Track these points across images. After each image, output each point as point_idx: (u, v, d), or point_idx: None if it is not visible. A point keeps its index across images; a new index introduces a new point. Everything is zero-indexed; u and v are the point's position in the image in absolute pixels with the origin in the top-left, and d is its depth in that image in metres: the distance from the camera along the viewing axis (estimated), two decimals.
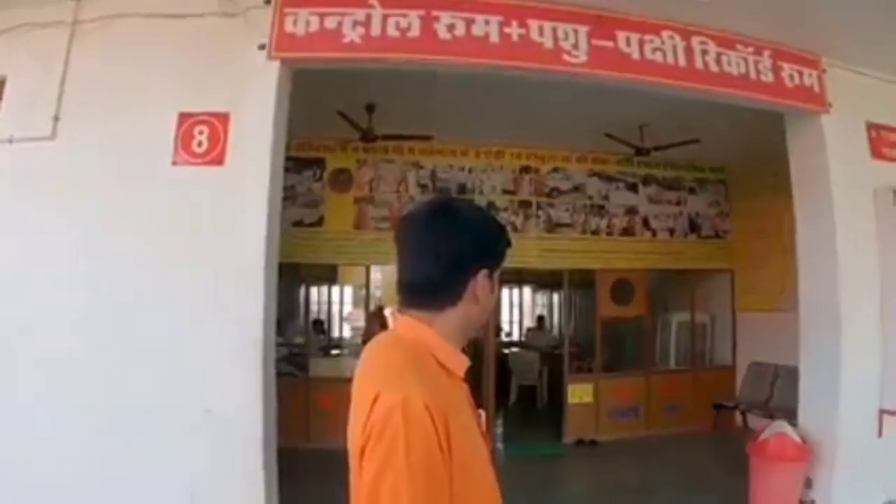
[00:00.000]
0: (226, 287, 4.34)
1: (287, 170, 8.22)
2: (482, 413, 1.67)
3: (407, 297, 1.57)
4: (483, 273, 1.54)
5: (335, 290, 12.43)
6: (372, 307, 9.79)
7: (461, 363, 1.54)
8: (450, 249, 1.51)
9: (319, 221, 8.58)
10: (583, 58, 4.90)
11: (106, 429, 4.21)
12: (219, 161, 4.42)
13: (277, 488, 4.56)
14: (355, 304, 12.11)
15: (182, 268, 4.36)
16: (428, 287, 1.54)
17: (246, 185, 4.43)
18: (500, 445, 8.73)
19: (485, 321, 1.67)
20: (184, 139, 4.45)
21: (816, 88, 5.77)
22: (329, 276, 11.05)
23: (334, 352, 11.05)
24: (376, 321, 10.15)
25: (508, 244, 1.65)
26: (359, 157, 8.67)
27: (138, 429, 4.22)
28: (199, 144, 4.42)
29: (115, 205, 4.41)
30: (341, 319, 12.57)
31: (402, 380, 1.37)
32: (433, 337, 1.51)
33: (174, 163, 4.44)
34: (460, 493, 1.33)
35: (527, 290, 16.86)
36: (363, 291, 9.31)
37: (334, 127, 7.27)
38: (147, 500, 4.21)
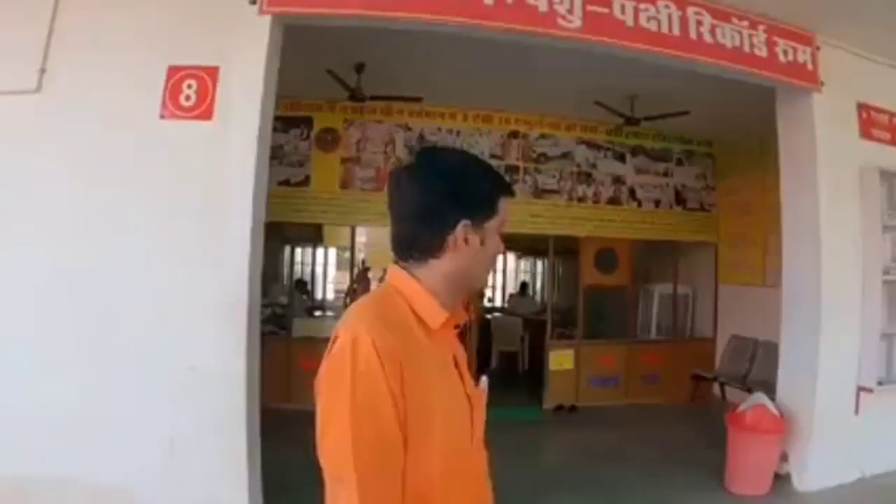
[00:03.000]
0: (212, 244, 4.32)
1: (274, 129, 8.16)
2: (484, 379, 1.73)
3: (394, 251, 1.54)
4: (463, 224, 1.46)
5: (320, 251, 12.36)
6: (357, 268, 9.72)
7: (435, 315, 1.46)
8: (421, 202, 1.47)
9: (305, 181, 8.50)
10: (577, 23, 4.85)
11: (89, 382, 4.19)
12: (207, 116, 4.36)
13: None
14: (340, 265, 12.06)
15: (168, 223, 4.33)
16: (405, 241, 1.51)
17: (234, 142, 4.38)
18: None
19: (484, 274, 1.62)
20: (172, 92, 4.38)
21: (809, 66, 5.77)
22: (314, 236, 10.94)
23: (318, 313, 11.02)
24: (362, 281, 10.21)
25: (504, 191, 1.57)
26: (347, 116, 8.57)
27: (121, 383, 4.22)
28: (188, 98, 4.36)
29: (101, 159, 4.34)
30: (325, 280, 12.52)
31: (359, 320, 1.37)
32: (413, 287, 1.48)
33: (162, 116, 4.37)
34: (416, 445, 1.32)
35: (511, 257, 16.79)
36: (348, 252, 9.20)
37: (323, 86, 7.16)
38: (127, 455, 4.21)
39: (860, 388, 5.92)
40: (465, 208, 1.47)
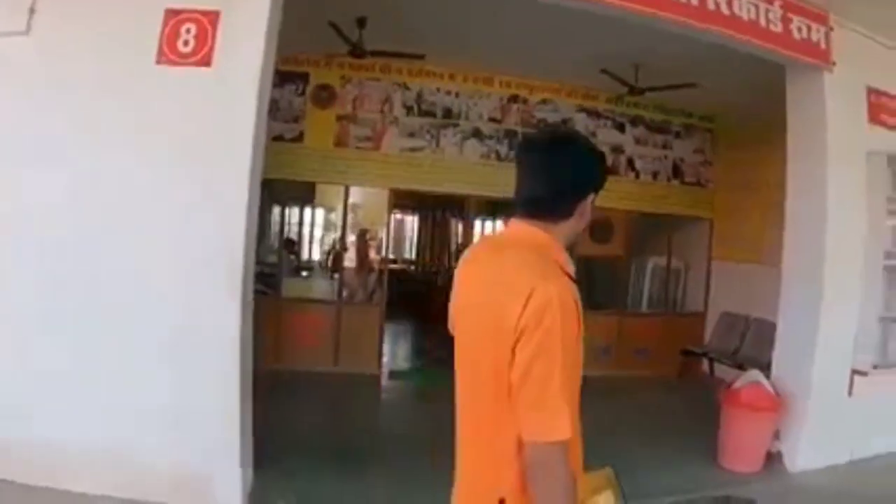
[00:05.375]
0: (208, 197, 4.16)
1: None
2: None
3: (527, 210, 1.81)
4: (591, 196, 1.82)
5: (313, 210, 12.06)
6: (348, 229, 9.51)
7: (571, 265, 1.80)
8: (570, 175, 1.78)
9: (299, 137, 8.31)
10: None
11: (80, 343, 4.11)
12: (206, 62, 4.17)
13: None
14: (329, 226, 11.80)
15: (163, 173, 4.17)
16: (547, 204, 1.79)
17: (233, 91, 4.20)
18: None
19: (579, 235, 1.95)
20: (169, 37, 4.18)
21: (822, 44, 5.66)
22: (306, 195, 10.71)
23: (305, 273, 10.82)
24: (362, 246, 10.22)
25: (609, 171, 1.97)
26: (344, 73, 8.34)
27: (113, 344, 4.12)
28: (186, 43, 4.16)
29: (94, 104, 4.16)
30: (312, 240, 12.26)
31: (550, 277, 1.64)
32: (554, 243, 1.79)
33: (158, 62, 4.18)
34: (575, 367, 1.64)
35: (499, 224, 16.52)
36: (338, 213, 8.99)
37: (321, 41, 6.99)
38: (118, 418, 4.12)
39: (855, 371, 5.90)
40: (595, 185, 1.84)
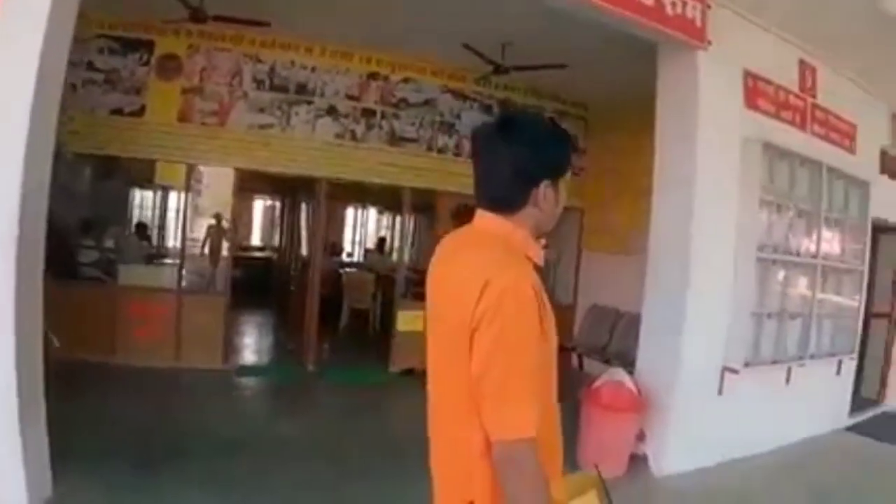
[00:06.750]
0: None
1: (111, 51, 7.34)
2: None
3: (485, 204, 1.79)
4: (544, 183, 1.72)
5: (165, 192, 11.06)
6: (193, 210, 8.81)
7: (539, 255, 1.77)
8: (513, 165, 1.71)
9: (141, 111, 7.48)
10: None
11: None
12: None
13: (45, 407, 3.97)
14: (189, 209, 10.90)
15: None
16: (498, 198, 1.76)
17: (15, 34, 3.50)
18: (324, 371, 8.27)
19: (552, 222, 1.83)
20: None
21: (698, 22, 5.37)
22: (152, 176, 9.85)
23: (158, 260, 9.87)
24: (217, 233, 9.73)
25: (573, 150, 1.92)
26: (192, 42, 7.58)
27: None
28: None
29: None
30: (162, 225, 11.32)
31: (508, 267, 1.60)
32: (518, 232, 1.74)
33: None
34: (543, 357, 1.62)
35: (372, 212, 16.27)
36: (183, 193, 8.11)
37: (162, 4, 6.30)
38: None
39: (725, 369, 5.68)
40: (547, 171, 1.74)
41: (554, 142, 1.78)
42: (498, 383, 1.51)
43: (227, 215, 8.92)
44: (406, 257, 9.97)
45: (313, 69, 8.08)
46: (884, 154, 7.95)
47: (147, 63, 7.51)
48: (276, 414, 6.69)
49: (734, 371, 5.64)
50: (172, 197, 9.95)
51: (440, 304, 1.78)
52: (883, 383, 8.61)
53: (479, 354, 1.53)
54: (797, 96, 6.40)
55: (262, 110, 7.83)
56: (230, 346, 8.14)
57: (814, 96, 6.58)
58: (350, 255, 15.36)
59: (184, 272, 8.03)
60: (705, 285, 5.49)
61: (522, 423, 1.49)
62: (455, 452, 1.68)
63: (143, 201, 10.63)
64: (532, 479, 1.49)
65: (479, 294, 1.53)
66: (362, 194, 13.59)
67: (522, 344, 1.52)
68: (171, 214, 9.98)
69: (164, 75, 7.53)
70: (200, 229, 9.52)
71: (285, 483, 4.66)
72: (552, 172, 1.74)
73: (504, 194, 1.74)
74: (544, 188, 1.72)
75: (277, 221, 15.69)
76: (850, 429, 7.52)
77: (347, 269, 12.33)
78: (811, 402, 6.74)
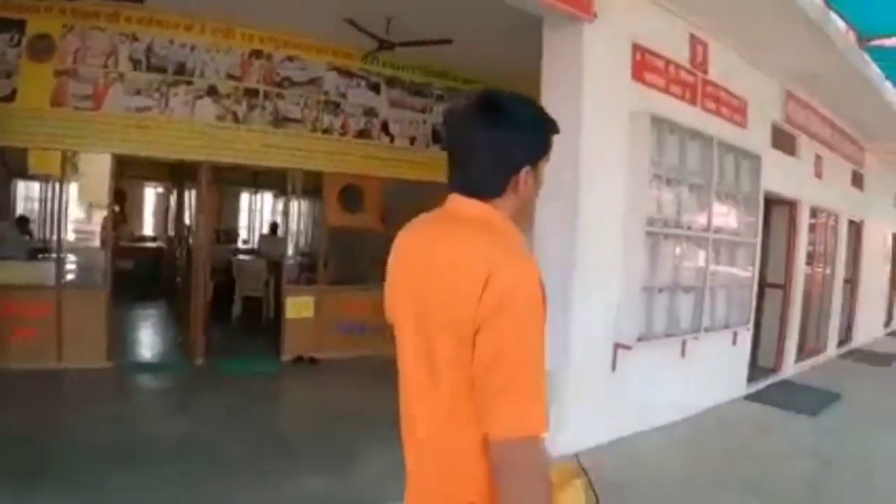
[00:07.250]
0: None
1: None
2: None
3: (460, 191, 1.64)
4: (525, 169, 1.61)
5: (45, 183, 10.48)
6: (72, 200, 8.25)
7: (526, 244, 1.65)
8: (493, 151, 1.58)
9: (11, 95, 7.00)
10: None
11: None
12: None
13: None
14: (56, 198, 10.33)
15: None
16: (475, 185, 1.62)
17: None
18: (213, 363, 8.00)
19: (531, 209, 1.74)
20: None
21: None
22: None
23: (43, 255, 9.35)
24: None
25: (554, 132, 1.70)
26: (66, 21, 7.12)
27: None
28: None
29: None
30: (46, 216, 10.71)
31: (513, 255, 1.49)
32: (503, 217, 1.62)
33: None
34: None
35: (268, 196, 15.71)
36: (59, 183, 7.63)
37: None
38: None
39: (618, 345, 5.66)
40: (528, 155, 1.63)
41: (539, 125, 1.67)
42: (508, 378, 1.39)
43: (105, 204, 8.34)
44: (296, 242, 9.77)
45: (193, 48, 7.72)
46: (775, 128, 8.09)
47: (19, 44, 7.03)
48: (160, 412, 6.30)
49: (626, 347, 5.62)
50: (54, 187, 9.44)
51: (421, 288, 1.59)
52: (779, 352, 8.85)
53: (486, 351, 1.41)
54: (688, 71, 6.41)
55: (139, 92, 7.44)
56: (114, 343, 7.71)
57: (705, 71, 6.61)
58: (246, 241, 15.08)
59: (65, 267, 7.63)
60: (593, 262, 5.44)
61: (535, 421, 1.39)
62: (451, 453, 1.56)
63: (27, 192, 10.06)
64: (540, 480, 1.39)
65: (482, 288, 1.41)
66: (255, 178, 13.31)
67: (535, 339, 1.42)
68: (52, 206, 9.45)
69: (36, 57, 7.06)
70: (82, 220, 9.01)
71: (164, 485, 4.40)
72: (532, 157, 1.63)
73: (483, 181, 1.61)
74: (525, 174, 1.61)
75: (171, 210, 14.79)
76: (748, 398, 7.69)
77: (240, 257, 12.04)
78: (709, 374, 6.84)
